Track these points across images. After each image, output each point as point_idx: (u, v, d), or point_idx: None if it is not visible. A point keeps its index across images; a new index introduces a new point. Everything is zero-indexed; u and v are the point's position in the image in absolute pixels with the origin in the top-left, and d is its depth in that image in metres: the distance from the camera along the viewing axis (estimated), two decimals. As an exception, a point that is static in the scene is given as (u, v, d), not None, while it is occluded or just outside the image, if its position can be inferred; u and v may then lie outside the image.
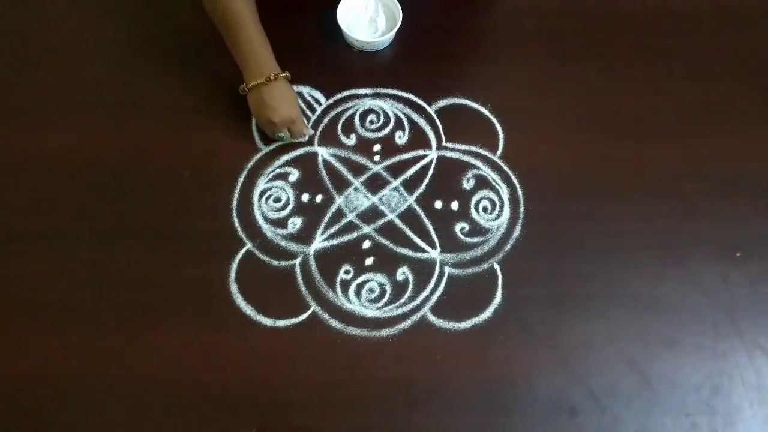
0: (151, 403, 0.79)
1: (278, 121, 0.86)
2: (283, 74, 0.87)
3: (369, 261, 0.86)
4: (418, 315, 0.83)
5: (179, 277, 0.84)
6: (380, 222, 0.89)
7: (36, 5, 1.03)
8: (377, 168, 0.92)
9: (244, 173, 0.91)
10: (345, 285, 0.85)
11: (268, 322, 0.82)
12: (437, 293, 0.85)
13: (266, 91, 0.86)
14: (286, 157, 0.92)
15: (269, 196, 0.90)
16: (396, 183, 0.91)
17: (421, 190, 0.91)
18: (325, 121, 0.95)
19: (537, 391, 0.80)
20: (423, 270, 0.86)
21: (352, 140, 0.93)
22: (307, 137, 0.92)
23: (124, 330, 0.82)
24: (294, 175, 0.91)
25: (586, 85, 0.98)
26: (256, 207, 0.89)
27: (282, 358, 0.81)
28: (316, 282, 0.85)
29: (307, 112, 0.95)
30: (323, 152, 0.93)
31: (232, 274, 0.85)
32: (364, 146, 0.93)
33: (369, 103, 0.96)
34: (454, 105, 0.96)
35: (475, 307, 0.84)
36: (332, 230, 0.88)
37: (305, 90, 0.96)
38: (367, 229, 0.88)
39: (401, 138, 0.94)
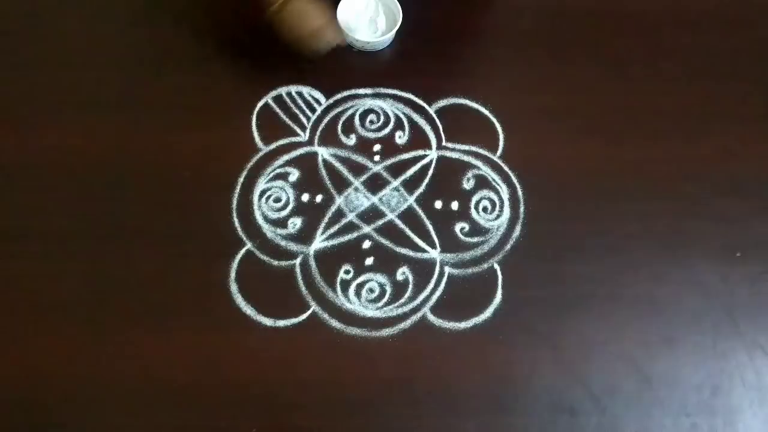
0: (151, 403, 0.78)
1: (320, 25, 0.87)
2: None
3: (369, 261, 0.86)
4: (418, 315, 0.83)
5: (179, 277, 0.84)
6: (380, 222, 0.89)
7: (36, 5, 1.03)
8: (377, 168, 0.92)
9: (244, 173, 0.91)
10: (345, 285, 0.85)
11: (268, 322, 0.82)
12: (437, 293, 0.85)
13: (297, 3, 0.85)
14: (286, 157, 0.92)
15: (269, 196, 0.90)
16: (396, 183, 0.91)
17: (421, 190, 0.90)
18: (325, 121, 0.95)
19: (537, 391, 0.80)
20: (423, 270, 0.86)
21: (352, 140, 0.93)
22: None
23: (124, 330, 0.81)
24: (294, 175, 0.91)
25: (586, 85, 0.98)
26: (256, 207, 0.89)
27: (282, 358, 0.81)
28: (316, 282, 0.85)
29: (307, 111, 0.95)
30: (323, 152, 0.93)
31: (232, 274, 0.85)
32: (364, 146, 0.93)
33: (369, 103, 0.96)
34: (454, 105, 0.96)
35: (475, 307, 0.84)
36: (332, 230, 0.88)
37: (305, 90, 0.96)
38: (367, 229, 0.88)
39: (401, 138, 0.94)
